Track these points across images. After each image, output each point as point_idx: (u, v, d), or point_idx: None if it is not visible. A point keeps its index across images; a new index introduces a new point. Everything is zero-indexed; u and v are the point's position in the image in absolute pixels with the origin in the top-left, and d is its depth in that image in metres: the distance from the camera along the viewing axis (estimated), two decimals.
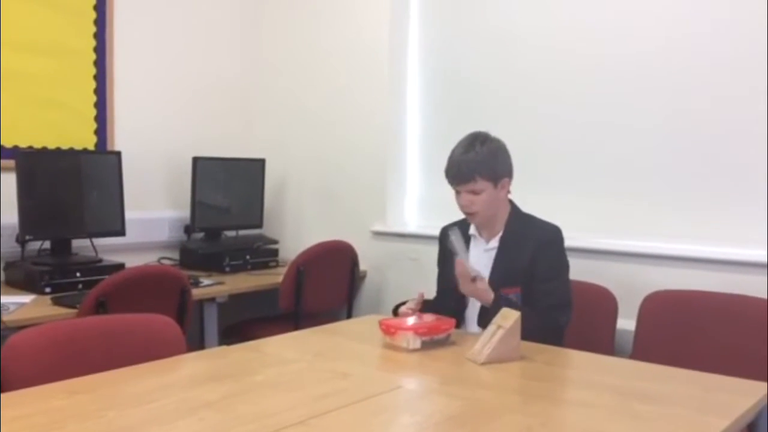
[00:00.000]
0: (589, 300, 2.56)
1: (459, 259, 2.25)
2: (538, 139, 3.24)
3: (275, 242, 3.84)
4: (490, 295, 2.23)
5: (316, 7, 3.90)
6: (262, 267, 3.65)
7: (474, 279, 2.24)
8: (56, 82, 3.28)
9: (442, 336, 2.11)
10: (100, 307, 2.51)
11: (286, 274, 3.29)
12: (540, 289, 2.29)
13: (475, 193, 2.30)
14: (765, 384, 1.77)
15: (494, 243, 2.38)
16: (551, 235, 2.35)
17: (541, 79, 3.25)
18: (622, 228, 3.00)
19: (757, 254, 2.64)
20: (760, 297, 2.47)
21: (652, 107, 2.96)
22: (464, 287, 2.27)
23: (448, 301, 2.35)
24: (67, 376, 1.70)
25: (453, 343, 2.12)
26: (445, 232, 2.54)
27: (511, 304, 2.12)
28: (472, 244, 2.43)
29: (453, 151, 2.34)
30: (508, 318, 1.98)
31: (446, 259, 2.50)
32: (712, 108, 2.83)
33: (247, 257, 3.59)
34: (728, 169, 2.81)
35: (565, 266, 2.36)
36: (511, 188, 2.39)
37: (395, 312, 2.32)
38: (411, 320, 2.15)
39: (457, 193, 2.34)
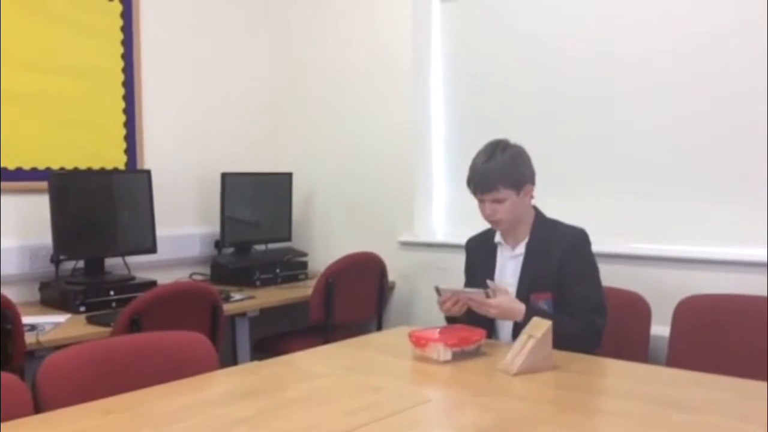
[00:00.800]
0: (621, 306, 2.53)
1: (469, 296, 2.20)
2: (563, 144, 3.21)
3: (304, 255, 3.86)
4: (521, 309, 2.20)
5: (340, 21, 3.93)
6: (292, 280, 3.67)
7: (489, 294, 2.17)
8: (86, 102, 3.34)
9: (472, 347, 2.10)
10: (134, 324, 2.54)
11: (316, 287, 3.31)
12: (573, 293, 2.27)
13: (498, 201, 2.29)
14: None
15: (520, 249, 2.36)
16: (578, 238, 2.34)
17: (567, 84, 3.23)
18: (654, 232, 2.96)
19: None
20: None
21: (683, 109, 2.92)
22: (490, 312, 2.20)
23: (475, 313, 2.33)
24: (101, 396, 1.73)
25: (484, 354, 2.11)
26: (468, 245, 2.53)
27: (544, 314, 2.10)
28: (498, 251, 2.41)
29: (474, 161, 2.34)
30: (540, 327, 1.96)
31: (473, 269, 2.49)
32: (739, 109, 2.79)
33: (277, 271, 3.62)
34: (762, 170, 2.75)
35: (595, 268, 2.34)
36: (535, 194, 2.38)
37: (437, 290, 2.29)
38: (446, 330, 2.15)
39: (481, 202, 2.34)
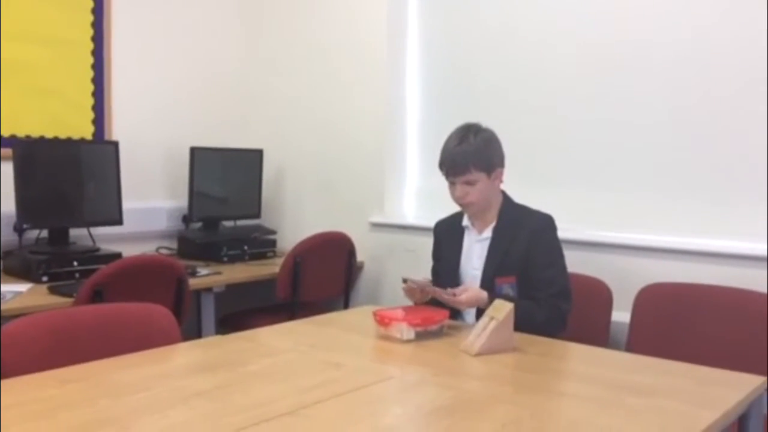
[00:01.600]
0: (583, 292, 2.56)
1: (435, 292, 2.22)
2: (534, 131, 3.23)
3: (273, 233, 3.85)
4: (485, 298, 2.21)
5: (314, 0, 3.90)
6: (260, 257, 3.65)
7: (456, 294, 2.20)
8: (54, 71, 3.28)
9: (435, 327, 2.12)
10: (97, 296, 2.52)
11: (283, 264, 3.30)
12: (540, 278, 2.29)
13: (469, 183, 2.30)
14: (758, 377, 1.78)
15: (487, 233, 2.38)
16: (544, 223, 2.36)
17: (539, 72, 3.24)
18: (617, 220, 3.00)
19: (754, 247, 2.63)
20: (756, 290, 2.47)
21: (650, 101, 2.96)
22: (460, 308, 2.25)
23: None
24: (61, 365, 1.71)
25: (447, 334, 2.12)
26: (436, 229, 2.55)
27: (509, 299, 2.12)
28: (466, 235, 2.43)
29: (446, 143, 2.35)
30: (502, 310, 1.98)
31: (440, 252, 2.51)
32: (709, 101, 2.82)
33: (245, 247, 3.60)
34: (725, 163, 2.80)
35: (560, 253, 2.37)
36: (505, 179, 2.40)
37: (405, 280, 2.30)
38: (411, 310, 2.17)
39: (452, 184, 2.35)
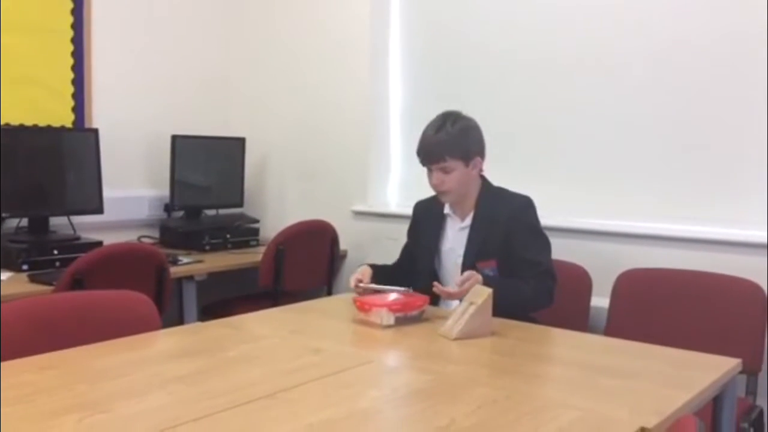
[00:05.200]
0: (563, 278, 2.56)
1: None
2: (516, 120, 3.24)
3: (256, 221, 3.84)
4: (479, 277, 2.18)
5: None
6: (243, 246, 3.65)
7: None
8: (33, 59, 3.25)
9: (415, 312, 2.13)
10: (77, 284, 2.51)
11: (266, 252, 3.30)
12: (523, 259, 2.30)
13: (445, 171, 2.31)
14: (732, 359, 1.80)
15: (468, 221, 2.39)
16: (522, 205, 2.37)
17: (524, 61, 3.25)
18: (596, 207, 3.02)
19: (730, 233, 2.66)
20: (731, 275, 2.50)
21: (630, 89, 2.97)
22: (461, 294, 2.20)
23: (417, 279, 2.36)
24: (40, 352, 1.71)
25: (426, 320, 2.14)
26: (415, 209, 2.57)
27: (494, 281, 2.15)
28: (448, 223, 2.44)
29: (424, 131, 2.36)
30: (480, 295, 2.00)
31: (418, 233, 2.51)
32: (686, 90, 2.85)
33: (227, 236, 3.59)
34: (700, 150, 2.83)
35: (541, 233, 2.37)
36: (486, 166, 2.40)
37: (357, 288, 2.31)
38: (392, 296, 2.19)
39: (429, 171, 2.35)
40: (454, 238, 2.42)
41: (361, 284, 2.29)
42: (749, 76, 2.70)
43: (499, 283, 2.13)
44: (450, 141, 2.30)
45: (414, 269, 2.48)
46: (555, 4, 3.16)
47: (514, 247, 2.31)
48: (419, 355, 1.84)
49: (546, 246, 2.37)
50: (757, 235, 2.61)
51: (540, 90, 3.21)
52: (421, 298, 2.17)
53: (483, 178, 2.43)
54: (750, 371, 2.32)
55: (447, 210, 2.44)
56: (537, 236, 2.36)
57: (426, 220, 2.49)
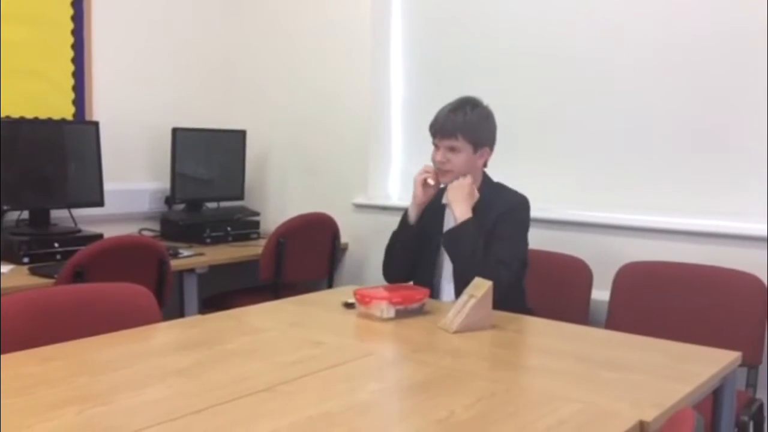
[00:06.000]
0: (564, 271, 2.59)
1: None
2: (519, 112, 3.23)
3: (257, 214, 3.84)
4: (467, 211, 2.27)
5: None
6: (243, 239, 3.65)
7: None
8: (33, 51, 3.24)
9: (416, 305, 2.13)
10: (78, 277, 2.51)
11: (266, 245, 3.30)
12: (492, 246, 2.27)
13: (452, 150, 2.31)
14: (732, 352, 1.80)
15: None
16: (516, 203, 2.36)
17: (527, 54, 3.24)
18: (597, 200, 3.02)
19: (729, 226, 2.66)
20: (732, 268, 2.50)
21: (633, 83, 2.96)
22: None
23: (421, 275, 2.36)
24: (41, 345, 1.71)
25: (427, 312, 2.14)
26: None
27: (467, 234, 2.23)
28: (446, 214, 2.43)
29: (441, 108, 2.37)
30: (481, 288, 2.00)
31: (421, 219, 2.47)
32: (687, 84, 2.84)
33: (228, 229, 3.60)
34: (700, 143, 2.82)
35: (521, 231, 2.35)
36: (489, 161, 2.40)
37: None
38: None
39: (436, 147, 2.35)
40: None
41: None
42: (749, 69, 2.70)
43: (467, 230, 2.21)
44: (466, 122, 2.30)
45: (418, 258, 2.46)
46: None
47: (494, 235, 2.30)
48: (419, 348, 1.84)
49: (517, 242, 2.33)
50: (757, 228, 2.61)
51: (542, 83, 3.20)
52: (422, 291, 2.17)
53: (484, 173, 2.42)
54: (750, 364, 2.32)
55: (446, 200, 2.41)
56: (514, 232, 2.33)
57: (426, 209, 2.46)
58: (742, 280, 2.44)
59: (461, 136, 2.30)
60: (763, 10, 2.64)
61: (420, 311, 2.14)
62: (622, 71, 2.99)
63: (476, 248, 2.23)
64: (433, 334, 1.96)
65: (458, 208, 2.29)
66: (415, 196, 2.41)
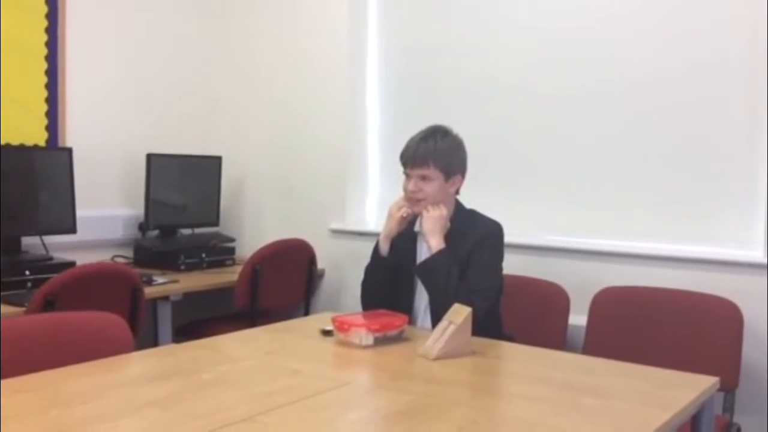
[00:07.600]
0: (541, 296, 2.59)
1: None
2: (494, 138, 3.25)
3: (232, 240, 3.81)
4: (440, 242, 2.27)
5: (275, 5, 3.88)
6: (219, 265, 3.61)
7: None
8: (6, 77, 3.20)
9: (395, 332, 2.12)
10: (49, 305, 2.46)
11: (242, 272, 3.27)
12: (467, 275, 2.26)
13: (424, 179, 2.30)
14: (710, 377, 1.81)
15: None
16: (490, 231, 2.35)
17: (500, 80, 3.27)
18: (573, 225, 3.04)
19: (706, 251, 2.70)
20: (708, 293, 2.52)
21: (608, 111, 3.00)
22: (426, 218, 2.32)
23: (399, 302, 2.34)
24: (11, 375, 1.67)
25: (406, 339, 2.12)
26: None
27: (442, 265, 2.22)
28: (418, 242, 2.40)
29: (412, 138, 2.36)
30: (460, 314, 1.99)
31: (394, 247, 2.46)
32: (663, 111, 2.88)
33: (203, 255, 3.56)
34: (676, 169, 2.86)
35: (495, 259, 2.34)
36: (461, 189, 2.40)
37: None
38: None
39: (407, 176, 2.35)
40: (424, 258, 2.37)
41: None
42: (728, 97, 2.75)
43: (442, 261, 2.22)
44: (437, 150, 2.30)
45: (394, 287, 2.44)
46: (532, 26, 3.18)
47: (469, 264, 2.29)
48: (399, 376, 1.82)
49: (492, 271, 2.32)
50: (733, 253, 2.64)
51: (517, 110, 3.23)
52: (401, 318, 2.15)
53: (456, 201, 2.42)
54: (727, 389, 2.34)
55: (418, 228, 2.40)
56: (489, 261, 2.31)
57: (399, 238, 2.45)
58: (718, 305, 2.46)
59: (433, 164, 2.30)
60: (745, 35, 2.68)
61: (399, 338, 2.12)
62: (596, 99, 3.02)
63: (451, 279, 2.23)
64: (413, 361, 1.94)
65: (434, 240, 2.28)
66: (390, 230, 2.40)
